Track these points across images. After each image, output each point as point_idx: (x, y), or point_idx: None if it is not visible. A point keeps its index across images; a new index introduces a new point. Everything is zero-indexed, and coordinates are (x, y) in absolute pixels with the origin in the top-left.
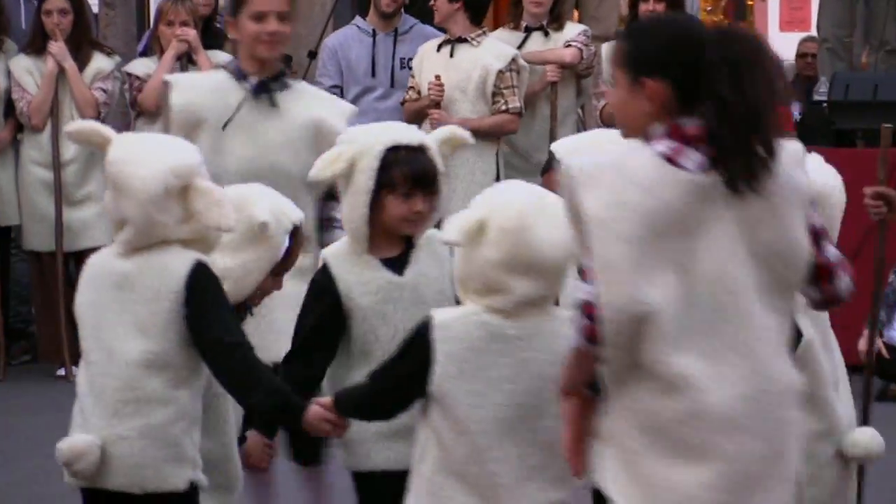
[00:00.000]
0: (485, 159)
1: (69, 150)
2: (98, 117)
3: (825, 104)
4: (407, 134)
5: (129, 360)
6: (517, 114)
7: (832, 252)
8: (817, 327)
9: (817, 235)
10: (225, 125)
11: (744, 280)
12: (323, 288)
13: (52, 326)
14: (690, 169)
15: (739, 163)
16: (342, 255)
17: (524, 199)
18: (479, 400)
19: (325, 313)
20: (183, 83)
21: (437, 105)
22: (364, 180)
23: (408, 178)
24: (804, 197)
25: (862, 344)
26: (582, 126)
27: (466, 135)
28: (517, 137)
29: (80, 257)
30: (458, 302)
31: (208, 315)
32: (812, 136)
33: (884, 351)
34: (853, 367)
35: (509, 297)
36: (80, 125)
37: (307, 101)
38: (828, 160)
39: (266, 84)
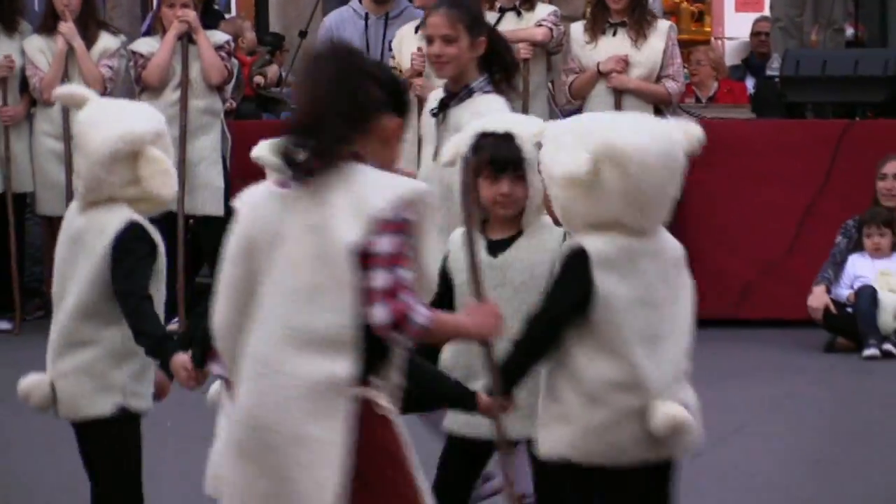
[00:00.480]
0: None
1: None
2: (105, 93)
3: (777, 79)
4: (494, 123)
5: (67, 308)
6: None
7: (381, 280)
8: (636, 282)
9: (369, 261)
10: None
11: (290, 282)
12: (442, 264)
13: None
14: (290, 185)
15: (298, 167)
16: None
17: None
18: None
19: (440, 289)
20: (430, 100)
21: (420, 74)
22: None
23: (490, 162)
24: (365, 213)
25: (811, 300)
26: (552, 99)
27: None
28: None
29: None
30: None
31: (120, 267)
32: (765, 109)
33: (831, 307)
34: (808, 322)
35: None
36: (63, 89)
37: (469, 114)
38: (779, 130)
39: (443, 103)
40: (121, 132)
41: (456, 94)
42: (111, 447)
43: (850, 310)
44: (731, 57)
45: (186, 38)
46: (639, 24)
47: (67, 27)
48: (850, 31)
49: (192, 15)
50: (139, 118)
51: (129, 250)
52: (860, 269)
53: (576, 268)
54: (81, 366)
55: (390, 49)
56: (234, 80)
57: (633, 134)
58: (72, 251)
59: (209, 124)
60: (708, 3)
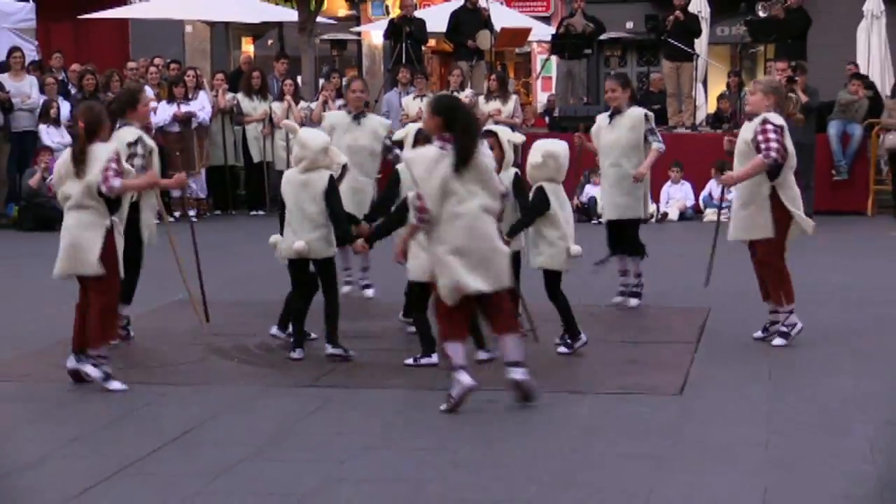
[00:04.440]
0: None
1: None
2: (301, 124)
3: (557, 117)
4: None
5: (310, 212)
6: None
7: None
8: (558, 198)
9: None
10: None
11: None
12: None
13: None
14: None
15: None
16: None
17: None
18: None
19: None
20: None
21: (418, 118)
22: None
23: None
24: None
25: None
26: (514, 129)
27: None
28: None
29: None
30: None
31: (331, 203)
32: (554, 129)
33: (580, 205)
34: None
35: None
36: (284, 123)
37: None
38: (559, 137)
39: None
40: (326, 140)
41: None
42: (331, 271)
43: (586, 206)
44: (540, 108)
45: (327, 103)
46: (503, 97)
47: (288, 98)
48: (585, 99)
49: (327, 93)
50: (322, 135)
51: (333, 191)
52: (590, 191)
53: (542, 192)
54: (319, 235)
55: (401, 107)
56: None
57: (552, 144)
58: (301, 189)
59: None
60: (531, 88)
